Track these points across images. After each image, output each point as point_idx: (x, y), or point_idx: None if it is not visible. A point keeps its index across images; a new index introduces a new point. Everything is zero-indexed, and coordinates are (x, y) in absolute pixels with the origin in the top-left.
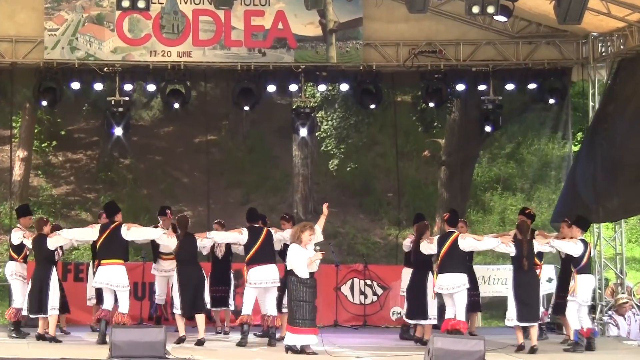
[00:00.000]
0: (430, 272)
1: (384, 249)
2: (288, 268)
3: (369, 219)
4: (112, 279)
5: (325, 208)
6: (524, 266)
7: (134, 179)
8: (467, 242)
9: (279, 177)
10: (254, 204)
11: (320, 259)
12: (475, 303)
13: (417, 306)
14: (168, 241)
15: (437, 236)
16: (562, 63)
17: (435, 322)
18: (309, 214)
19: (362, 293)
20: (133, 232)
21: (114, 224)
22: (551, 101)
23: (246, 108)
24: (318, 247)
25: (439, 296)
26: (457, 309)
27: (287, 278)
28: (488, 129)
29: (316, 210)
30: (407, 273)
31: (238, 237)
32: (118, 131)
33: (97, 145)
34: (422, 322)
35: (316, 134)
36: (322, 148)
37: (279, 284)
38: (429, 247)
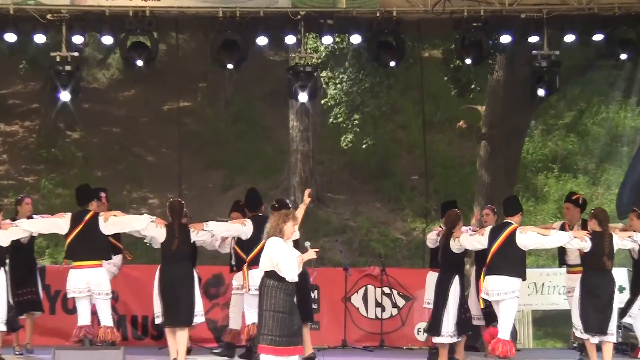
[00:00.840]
0: (457, 276)
1: (407, 248)
2: (266, 268)
3: (388, 208)
4: (90, 284)
5: (307, 195)
6: (605, 265)
7: (84, 158)
8: (529, 238)
9: (272, 155)
10: (238, 189)
11: (313, 259)
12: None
13: (435, 317)
14: (156, 232)
15: (490, 227)
16: (637, 7)
17: (450, 339)
18: (310, 202)
19: (379, 305)
20: (113, 224)
21: (89, 215)
22: (623, 57)
23: (229, 66)
24: (309, 243)
25: (487, 303)
26: (500, 322)
27: (263, 282)
28: (541, 92)
29: (320, 199)
30: (433, 278)
31: (240, 229)
32: (65, 96)
33: (37, 114)
34: (437, 339)
35: (320, 100)
36: (328, 118)
37: None
38: (473, 240)
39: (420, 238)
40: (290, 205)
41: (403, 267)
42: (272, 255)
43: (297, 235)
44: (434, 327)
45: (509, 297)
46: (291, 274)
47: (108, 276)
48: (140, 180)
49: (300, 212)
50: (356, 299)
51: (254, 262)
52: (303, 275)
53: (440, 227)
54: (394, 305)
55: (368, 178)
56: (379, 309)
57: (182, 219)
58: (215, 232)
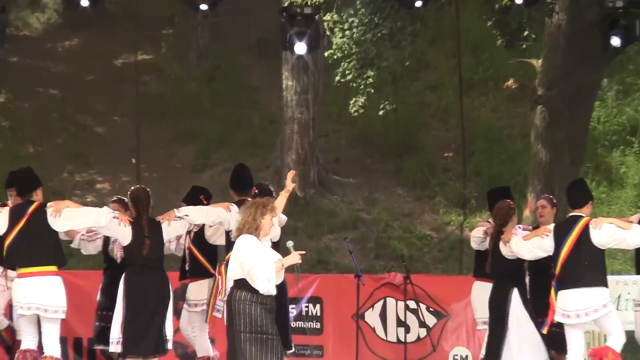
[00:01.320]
0: (515, 289)
1: (439, 248)
2: (236, 276)
3: (413, 196)
4: (38, 297)
5: (289, 179)
6: None
7: (11, 129)
8: (607, 233)
9: (259, 125)
10: (215, 170)
11: (297, 264)
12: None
13: (493, 345)
14: (120, 231)
15: (553, 225)
16: None
17: None
18: (310, 187)
19: (402, 324)
20: (67, 218)
21: (33, 207)
22: None
23: (203, 7)
24: (291, 243)
25: (559, 326)
26: (611, 336)
27: (232, 295)
28: (616, 42)
29: (323, 183)
30: (481, 289)
31: (224, 216)
32: None
33: None
34: None
35: (323, 52)
36: (334, 76)
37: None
38: (532, 246)
39: (456, 235)
40: (273, 192)
41: (434, 274)
42: (244, 259)
43: (277, 232)
44: (493, 356)
45: (604, 313)
46: (266, 285)
47: (63, 288)
48: (85, 158)
49: (280, 202)
50: (372, 316)
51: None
52: (279, 287)
53: (489, 221)
54: (422, 324)
55: (386, 155)
56: (401, 330)
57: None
58: (192, 220)
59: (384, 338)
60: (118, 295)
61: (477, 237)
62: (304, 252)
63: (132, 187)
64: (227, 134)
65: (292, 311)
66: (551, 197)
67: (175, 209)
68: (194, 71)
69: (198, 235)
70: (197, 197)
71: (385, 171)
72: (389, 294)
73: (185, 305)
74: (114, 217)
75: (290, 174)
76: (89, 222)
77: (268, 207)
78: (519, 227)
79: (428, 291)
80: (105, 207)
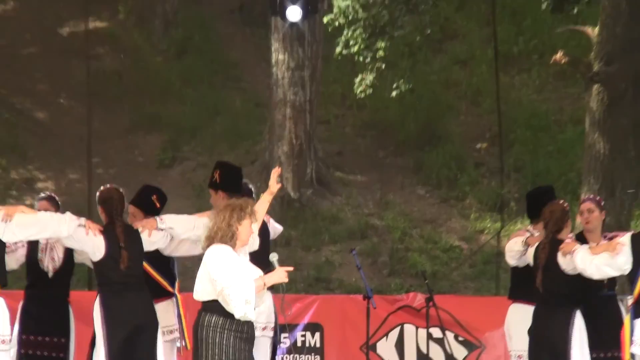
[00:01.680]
0: (577, 311)
1: (471, 263)
2: (204, 297)
3: (437, 197)
4: None
5: (274, 177)
6: None
7: None
8: None
9: (243, 109)
10: (187, 165)
11: (282, 283)
12: None
13: None
14: (89, 243)
15: (629, 235)
16: None
17: None
18: (307, 187)
19: (423, 357)
20: (20, 225)
21: None
22: None
23: None
24: (275, 256)
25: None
26: None
27: (199, 319)
28: None
29: (323, 182)
30: (520, 314)
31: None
32: None
33: None
34: None
35: (322, 18)
36: (335, 47)
37: (272, 329)
38: (602, 263)
39: (491, 247)
40: (254, 192)
41: (463, 294)
42: (216, 275)
43: (255, 243)
44: None
45: None
46: (243, 308)
47: (7, 312)
48: (23, 151)
49: (262, 206)
50: (385, 348)
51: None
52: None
53: (528, 229)
54: (449, 358)
55: (403, 147)
56: None
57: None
58: (177, 233)
59: None
60: (96, 326)
61: (515, 250)
62: (291, 268)
63: (102, 188)
64: (202, 121)
65: (284, 342)
66: (598, 198)
67: (157, 217)
68: (159, 42)
69: (153, 252)
70: (149, 198)
71: (401, 166)
72: (407, 319)
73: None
74: (79, 225)
75: (275, 172)
76: (47, 231)
77: (246, 210)
78: (571, 237)
79: (456, 316)
80: (68, 214)
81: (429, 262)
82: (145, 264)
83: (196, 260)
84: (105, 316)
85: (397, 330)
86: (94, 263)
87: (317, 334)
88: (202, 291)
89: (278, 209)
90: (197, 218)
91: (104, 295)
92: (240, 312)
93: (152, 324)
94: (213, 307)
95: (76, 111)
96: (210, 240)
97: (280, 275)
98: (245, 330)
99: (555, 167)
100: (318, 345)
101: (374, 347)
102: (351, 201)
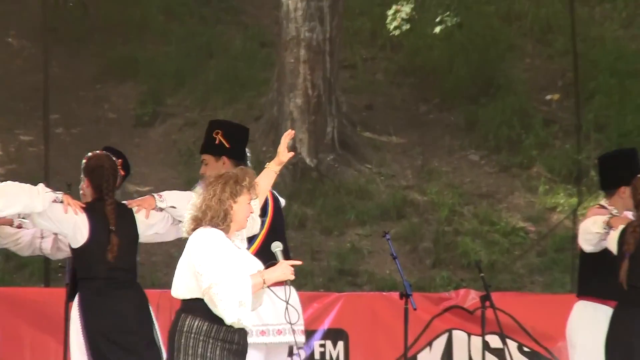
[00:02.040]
0: None
1: (539, 250)
2: (185, 295)
3: (496, 164)
4: None
5: (284, 143)
6: None
7: None
8: None
9: (243, 50)
10: (173, 123)
11: (288, 281)
12: None
13: None
14: (66, 222)
15: None
16: None
17: None
18: (327, 151)
19: None
20: None
21: None
22: None
23: None
24: (280, 247)
25: None
26: None
27: (177, 322)
28: None
29: (346, 144)
30: (589, 314)
31: None
32: None
33: None
34: None
35: None
36: None
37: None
38: None
39: (566, 229)
40: (248, 159)
41: (530, 291)
42: (201, 267)
43: (255, 225)
44: None
45: None
46: (235, 312)
47: None
48: None
49: (266, 179)
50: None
51: None
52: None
53: (603, 206)
54: None
55: (451, 99)
56: None
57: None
58: (180, 212)
59: None
60: (71, 333)
61: (594, 232)
62: (299, 262)
63: (91, 154)
64: (191, 66)
65: (297, 354)
66: None
67: (155, 195)
68: None
69: None
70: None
71: (448, 124)
72: (457, 324)
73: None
74: (55, 201)
75: (287, 136)
76: (17, 205)
77: (244, 183)
78: None
79: (520, 320)
80: (41, 185)
81: (485, 250)
82: None
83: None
84: (86, 324)
85: (443, 339)
86: (73, 251)
87: (340, 344)
88: (182, 287)
89: (289, 180)
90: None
91: (84, 296)
92: (231, 316)
93: (147, 330)
94: (196, 308)
95: (29, 53)
96: (197, 222)
97: (284, 270)
98: (235, 341)
99: None
100: (341, 357)
101: None
102: (384, 170)
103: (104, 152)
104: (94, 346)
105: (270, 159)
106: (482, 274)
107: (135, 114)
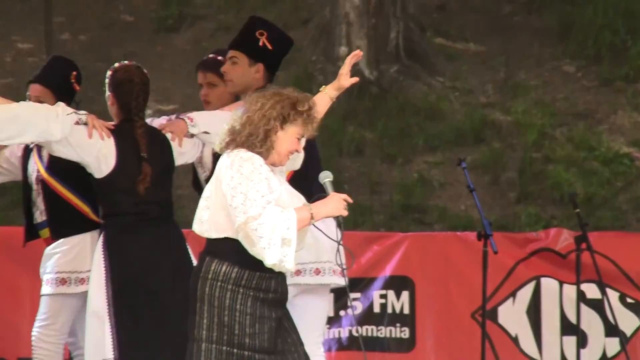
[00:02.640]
0: None
1: None
2: (211, 232)
3: (595, 75)
4: None
5: (350, 62)
6: None
7: None
8: None
9: None
10: (202, 27)
11: (340, 217)
12: None
13: None
14: (91, 148)
15: None
16: None
17: None
18: (390, 62)
19: (572, 328)
20: None
21: None
22: None
23: None
24: (330, 177)
25: None
26: None
27: (202, 266)
28: None
29: (413, 53)
30: None
31: None
32: None
33: None
34: None
35: None
36: None
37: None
38: None
39: None
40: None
41: (635, 231)
42: (233, 198)
43: (298, 160)
44: None
45: None
46: (278, 252)
47: None
48: None
49: (323, 104)
50: (511, 315)
51: None
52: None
53: None
54: (612, 329)
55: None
56: (571, 340)
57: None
58: (213, 138)
59: (537, 358)
60: (91, 277)
61: None
62: (349, 199)
63: (117, 65)
64: None
65: (353, 306)
66: None
67: (185, 117)
68: None
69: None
70: (63, 77)
71: (538, 29)
72: (547, 270)
73: (49, 287)
74: (78, 122)
75: (353, 57)
76: (30, 133)
77: (302, 109)
78: None
79: (623, 265)
80: (60, 105)
81: (582, 181)
82: (62, 188)
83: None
84: (112, 268)
85: (530, 288)
86: (97, 181)
87: (405, 294)
88: (207, 222)
89: (344, 98)
90: (227, 113)
91: (110, 235)
92: (272, 256)
93: (183, 274)
94: (224, 249)
95: None
96: (233, 136)
97: (335, 204)
98: (272, 289)
99: None
100: (406, 311)
101: (493, 314)
102: (459, 84)
103: (134, 63)
104: (118, 293)
105: (321, 71)
106: (577, 210)
107: (157, 17)
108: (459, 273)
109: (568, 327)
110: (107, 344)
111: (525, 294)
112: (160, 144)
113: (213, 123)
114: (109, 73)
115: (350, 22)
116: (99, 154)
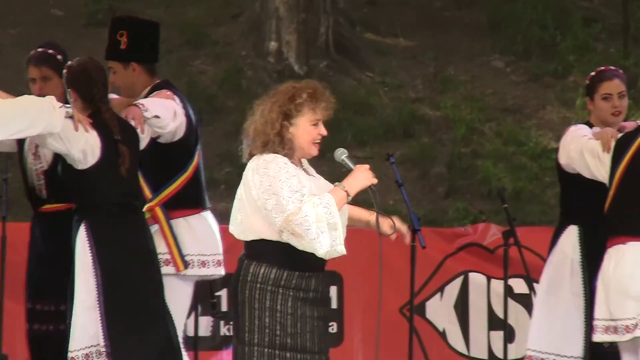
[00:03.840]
0: (574, 228)
1: None
2: (247, 237)
3: (524, 71)
4: None
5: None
6: None
7: None
8: None
9: None
10: None
11: (372, 186)
12: None
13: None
14: (78, 141)
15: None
16: None
17: None
18: (320, 56)
19: (498, 321)
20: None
21: None
22: None
23: None
24: (345, 153)
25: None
26: None
27: (241, 268)
28: None
29: (342, 48)
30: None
31: (175, 111)
32: None
33: None
34: None
35: None
36: None
37: None
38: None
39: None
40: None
41: None
42: (267, 202)
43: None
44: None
45: None
46: (327, 239)
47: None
48: None
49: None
50: (439, 309)
51: (184, 204)
52: None
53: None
54: None
55: None
56: (497, 335)
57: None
58: (164, 123)
59: (465, 353)
60: (77, 270)
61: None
62: (368, 165)
63: (69, 62)
64: None
65: None
66: (621, 72)
67: (138, 103)
68: None
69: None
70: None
71: (468, 24)
72: (474, 265)
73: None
74: (67, 116)
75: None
76: (38, 125)
77: (300, 100)
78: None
79: None
80: (51, 98)
81: (510, 176)
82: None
83: None
84: (99, 257)
85: (457, 283)
86: (79, 173)
87: (334, 289)
88: (242, 226)
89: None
90: (164, 100)
91: (95, 225)
92: (325, 244)
93: (155, 263)
94: (261, 251)
95: None
96: (251, 153)
97: (364, 174)
98: (312, 288)
99: None
100: (334, 305)
101: (421, 309)
102: (389, 79)
103: (90, 57)
104: (108, 282)
105: (250, 65)
106: (505, 205)
107: (87, 11)
108: (387, 268)
109: (495, 322)
110: (97, 332)
111: (453, 289)
112: (129, 129)
113: (162, 107)
114: (64, 72)
115: (280, 17)
116: (85, 146)
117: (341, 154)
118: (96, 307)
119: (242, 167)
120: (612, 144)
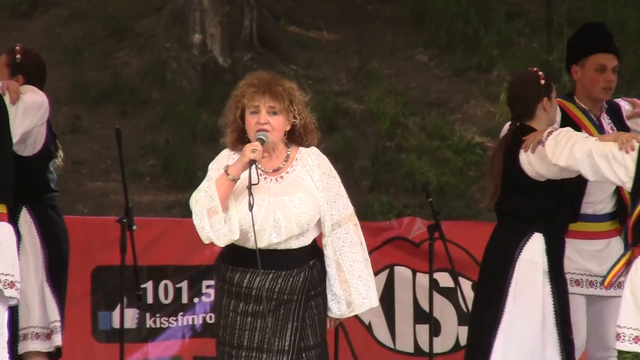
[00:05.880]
0: (538, 236)
1: None
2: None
3: (448, 65)
4: None
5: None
6: None
7: None
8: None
9: None
10: (57, 12)
11: (255, 162)
12: None
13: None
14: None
15: None
16: None
17: None
18: (244, 49)
19: (423, 314)
20: (26, 112)
21: None
22: None
23: None
24: (263, 135)
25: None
26: None
27: (218, 268)
28: None
29: (267, 41)
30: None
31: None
32: None
33: None
34: None
35: None
36: None
37: None
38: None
39: None
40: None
41: (487, 221)
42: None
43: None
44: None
45: None
46: (204, 222)
47: (15, 245)
48: None
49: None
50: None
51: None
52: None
53: None
54: (465, 317)
55: None
56: (423, 329)
57: None
58: (28, 105)
59: (391, 346)
60: (22, 257)
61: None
62: (256, 142)
63: (17, 47)
64: None
65: (206, 294)
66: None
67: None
68: None
69: None
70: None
71: (391, 18)
72: (400, 259)
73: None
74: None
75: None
76: (45, 116)
77: (237, 92)
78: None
79: (476, 253)
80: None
81: (435, 170)
82: None
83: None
84: (46, 242)
85: (383, 276)
86: (24, 159)
87: None
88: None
89: (198, 84)
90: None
91: (39, 212)
92: (208, 230)
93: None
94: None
95: None
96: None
97: (245, 151)
98: (235, 281)
99: (633, 20)
100: None
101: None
102: (313, 72)
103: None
104: (54, 264)
105: (174, 58)
106: (430, 199)
107: (10, 2)
108: None
109: (421, 316)
110: (51, 308)
111: (378, 283)
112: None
113: (30, 91)
114: (17, 56)
115: (204, 9)
116: (38, 130)
117: (260, 134)
118: (47, 288)
119: (166, 159)
120: (636, 145)
